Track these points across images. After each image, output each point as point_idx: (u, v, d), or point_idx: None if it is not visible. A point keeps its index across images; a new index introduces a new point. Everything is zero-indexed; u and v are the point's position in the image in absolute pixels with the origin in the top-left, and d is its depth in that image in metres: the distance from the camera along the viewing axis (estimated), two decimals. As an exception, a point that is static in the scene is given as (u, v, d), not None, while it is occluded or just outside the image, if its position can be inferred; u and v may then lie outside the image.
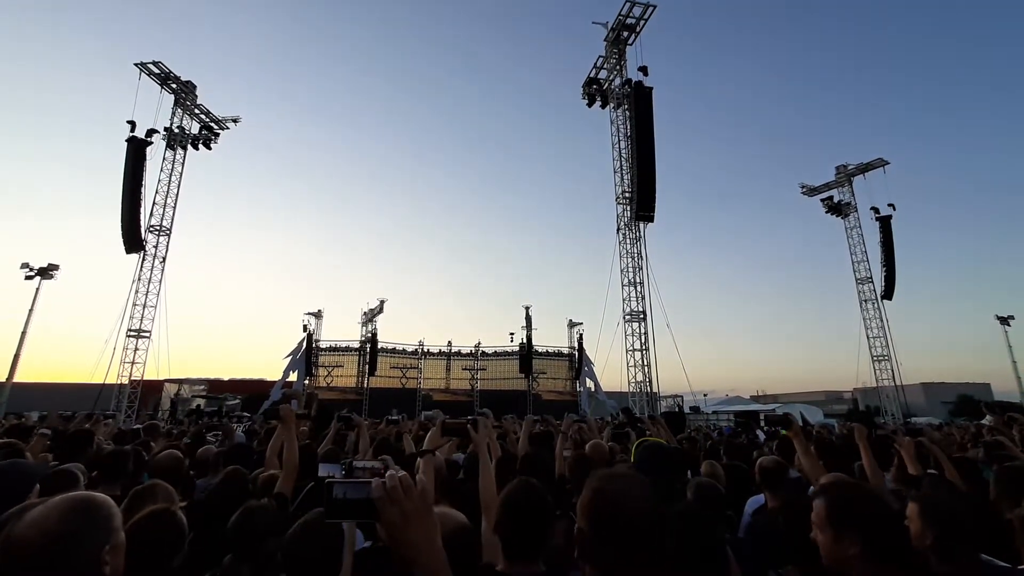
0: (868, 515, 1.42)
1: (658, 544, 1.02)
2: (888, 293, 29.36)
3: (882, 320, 29.80)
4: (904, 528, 1.72)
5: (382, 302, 35.54)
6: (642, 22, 22.03)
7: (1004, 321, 31.99)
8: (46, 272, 23.09)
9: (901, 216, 30.19)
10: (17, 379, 23.00)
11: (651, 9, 21.57)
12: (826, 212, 32.03)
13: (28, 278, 22.82)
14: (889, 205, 29.53)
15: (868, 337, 30.16)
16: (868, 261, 30.68)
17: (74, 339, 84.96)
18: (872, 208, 29.98)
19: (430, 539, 0.87)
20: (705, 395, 40.62)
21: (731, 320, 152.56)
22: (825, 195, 32.36)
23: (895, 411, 28.54)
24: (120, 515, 1.21)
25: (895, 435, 4.32)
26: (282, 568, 1.77)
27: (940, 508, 1.76)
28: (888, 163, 30.18)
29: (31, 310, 22.93)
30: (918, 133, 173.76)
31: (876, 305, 30.06)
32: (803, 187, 33.46)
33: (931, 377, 63.44)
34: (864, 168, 30.92)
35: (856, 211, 31.30)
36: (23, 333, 22.66)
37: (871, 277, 30.42)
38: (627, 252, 22.63)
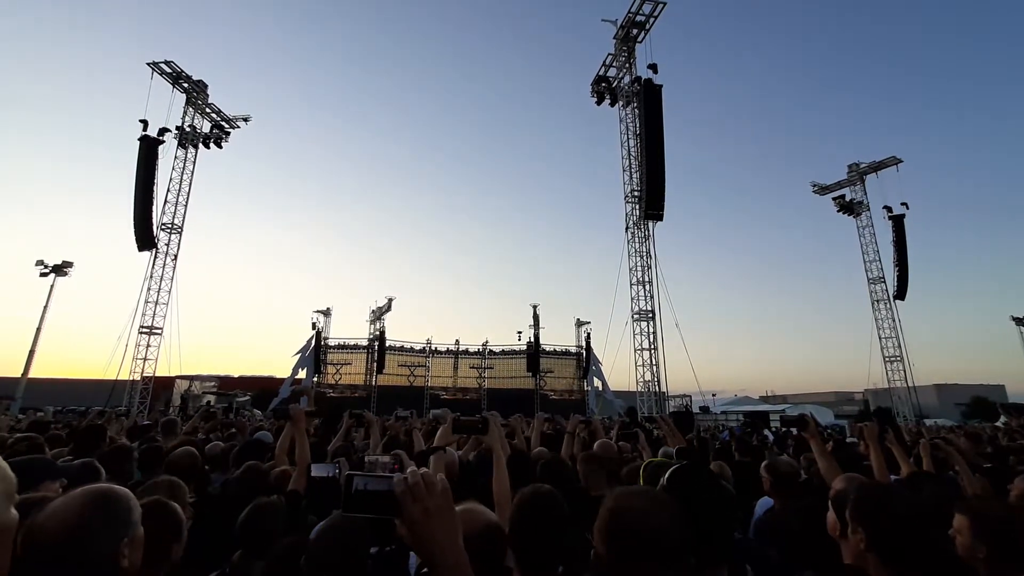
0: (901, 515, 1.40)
1: (681, 565, 0.97)
2: (901, 293, 29.02)
3: (894, 320, 29.53)
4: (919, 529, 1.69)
5: (390, 300, 35.67)
6: (652, 19, 21.92)
7: (1020, 322, 31.51)
8: (60, 269, 23.40)
9: (914, 215, 29.81)
10: (32, 375, 23.34)
11: (661, 6, 21.44)
12: (838, 211, 31.70)
13: (43, 275, 23.15)
14: (902, 204, 29.23)
15: (880, 337, 29.91)
16: (880, 261, 30.43)
17: (87, 336, 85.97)
18: (885, 207, 29.67)
19: (452, 538, 0.84)
20: (714, 395, 40.42)
21: (741, 320, 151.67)
22: (837, 194, 32.03)
23: (907, 412, 28.21)
24: (139, 509, 1.22)
25: (885, 432, 4.28)
26: (297, 567, 1.76)
27: (994, 521, 1.69)
28: (901, 161, 29.83)
29: (45, 307, 23.29)
30: (932, 131, 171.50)
31: (888, 305, 29.76)
32: (814, 186, 33.14)
33: (944, 378, 62.44)
34: (877, 166, 30.56)
35: (868, 210, 30.97)
36: (38, 329, 23.02)
37: (883, 277, 30.13)
38: (636, 251, 22.55)
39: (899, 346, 29.20)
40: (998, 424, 16.51)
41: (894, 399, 29.71)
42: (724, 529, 1.40)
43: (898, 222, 29.02)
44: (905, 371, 28.88)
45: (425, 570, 1.59)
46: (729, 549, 1.43)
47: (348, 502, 0.86)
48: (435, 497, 0.83)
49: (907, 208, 29.09)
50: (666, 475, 1.45)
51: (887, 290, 29.81)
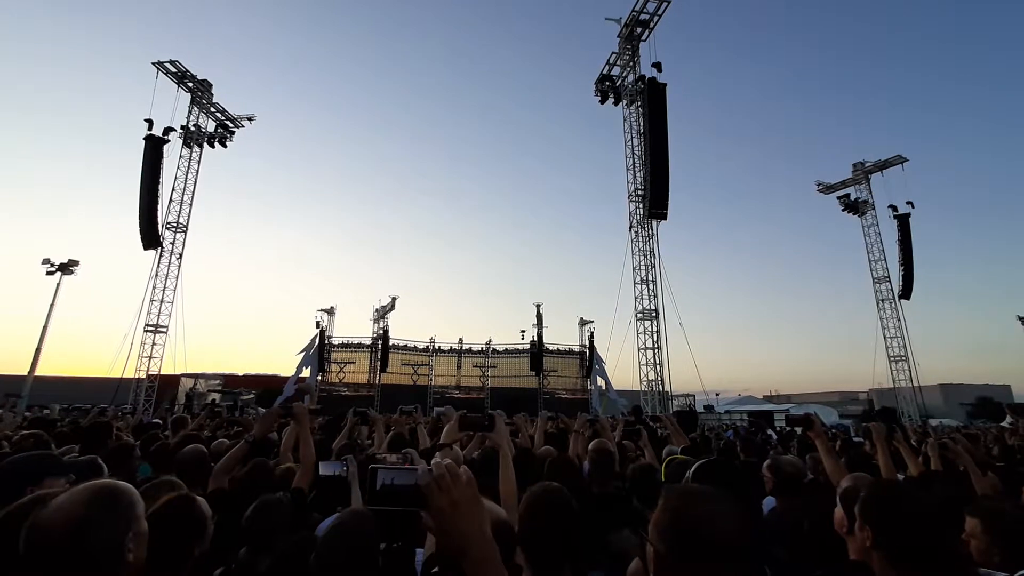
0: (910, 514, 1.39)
1: (742, 566, 0.96)
2: (906, 293, 28.85)
3: (899, 320, 29.36)
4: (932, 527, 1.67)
5: (394, 299, 35.71)
6: (656, 18, 21.80)
7: (1026, 322, 31.24)
8: (66, 268, 23.47)
9: (920, 214, 29.57)
10: (38, 373, 23.44)
11: (665, 5, 21.31)
12: (843, 210, 31.55)
13: (49, 273, 23.22)
14: (908, 203, 29.01)
15: (885, 337, 29.73)
16: (885, 260, 30.24)
17: (93, 334, 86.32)
18: (890, 206, 29.43)
19: (480, 528, 0.84)
20: (718, 395, 40.29)
21: (744, 319, 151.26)
22: (842, 193, 31.86)
23: (912, 412, 28.09)
24: (143, 504, 1.22)
25: (894, 432, 4.26)
26: (304, 563, 1.76)
27: (1007, 523, 1.68)
28: (907, 160, 29.63)
29: (52, 305, 23.33)
30: (938, 130, 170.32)
31: (893, 305, 29.59)
32: (819, 185, 33.00)
33: (950, 378, 62.14)
34: (882, 165, 30.37)
35: (873, 209, 30.79)
36: (44, 327, 23.09)
37: (888, 276, 29.94)
38: (639, 250, 22.49)
39: (904, 346, 29.06)
40: (1004, 424, 16.42)
41: (899, 399, 29.58)
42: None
43: (903, 221, 28.84)
44: (910, 371, 28.77)
45: (435, 569, 1.59)
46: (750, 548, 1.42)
47: (373, 495, 0.86)
48: (461, 488, 0.83)
49: (913, 207, 28.93)
50: (691, 470, 1.43)
51: (892, 289, 29.66)
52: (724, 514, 0.98)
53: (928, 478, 3.32)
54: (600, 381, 30.23)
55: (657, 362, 21.65)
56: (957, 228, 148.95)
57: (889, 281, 29.88)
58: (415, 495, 0.83)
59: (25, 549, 1.02)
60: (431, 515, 0.82)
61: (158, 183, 23.85)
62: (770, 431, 11.10)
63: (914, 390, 28.57)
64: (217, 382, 37.76)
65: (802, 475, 3.33)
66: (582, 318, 37.09)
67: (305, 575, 1.72)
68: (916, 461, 3.76)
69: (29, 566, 1.02)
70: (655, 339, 21.74)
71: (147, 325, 24.22)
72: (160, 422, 9.24)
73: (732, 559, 0.94)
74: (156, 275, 24.46)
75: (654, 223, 22.02)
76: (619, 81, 24.08)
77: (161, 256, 24.63)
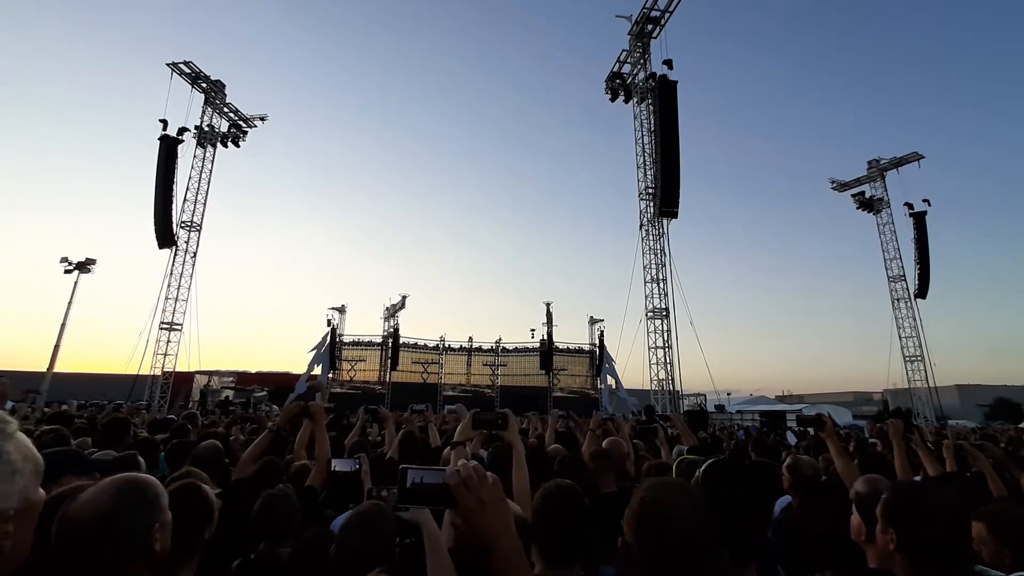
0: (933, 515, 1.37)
1: (711, 560, 0.96)
2: (922, 292, 28.45)
3: (915, 319, 28.97)
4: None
5: (404, 297, 35.87)
6: (667, 15, 21.67)
7: (1046, 322, 30.71)
8: (84, 266, 23.85)
9: (936, 212, 29.11)
10: (57, 369, 23.86)
11: (676, 1, 21.19)
12: (857, 208, 31.17)
13: (67, 272, 23.62)
14: (924, 201, 28.62)
15: (900, 337, 29.36)
16: (901, 259, 29.86)
17: (110, 331, 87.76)
18: (906, 204, 29.06)
19: (506, 526, 0.87)
20: (729, 394, 39.93)
21: (756, 318, 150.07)
22: (856, 190, 31.45)
23: (928, 413, 27.70)
24: (167, 495, 1.27)
25: (911, 432, 4.21)
26: (324, 555, 1.79)
27: (1013, 525, 1.66)
28: (923, 157, 29.17)
29: (70, 303, 23.73)
30: (955, 127, 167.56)
31: (909, 304, 29.20)
32: (833, 182, 32.62)
33: (966, 379, 61.10)
34: (898, 162, 29.93)
35: (889, 207, 30.42)
36: (62, 325, 23.47)
37: (904, 275, 29.57)
38: (650, 248, 22.40)
39: (920, 345, 28.68)
40: (1022, 426, 16.15)
41: (914, 399, 29.19)
42: (756, 527, 1.38)
43: (919, 219, 28.43)
44: (926, 371, 28.37)
45: None
46: (759, 548, 1.41)
47: (403, 494, 0.89)
48: (488, 488, 0.86)
49: (929, 205, 28.52)
50: (701, 469, 1.43)
51: (908, 288, 29.28)
52: (693, 507, 0.98)
53: (945, 479, 3.28)
54: (610, 380, 30.20)
55: (668, 361, 21.57)
56: (974, 226, 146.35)
57: (904, 280, 29.54)
58: (444, 494, 0.86)
59: (56, 542, 1.06)
60: (460, 513, 0.86)
61: (172, 183, 24.22)
62: (789, 433, 10.96)
63: (930, 391, 28.18)
64: (230, 379, 38.26)
65: (820, 476, 3.32)
66: (592, 317, 37.01)
67: (325, 567, 1.76)
68: (933, 462, 3.71)
69: (60, 559, 1.05)
70: (665, 338, 21.66)
71: (162, 323, 24.61)
72: (174, 418, 9.39)
73: (698, 551, 0.95)
74: (171, 273, 24.87)
75: (665, 221, 21.93)
76: (630, 79, 23.97)
77: (176, 255, 25.01)
